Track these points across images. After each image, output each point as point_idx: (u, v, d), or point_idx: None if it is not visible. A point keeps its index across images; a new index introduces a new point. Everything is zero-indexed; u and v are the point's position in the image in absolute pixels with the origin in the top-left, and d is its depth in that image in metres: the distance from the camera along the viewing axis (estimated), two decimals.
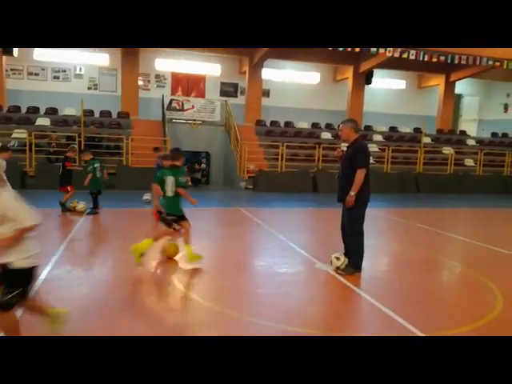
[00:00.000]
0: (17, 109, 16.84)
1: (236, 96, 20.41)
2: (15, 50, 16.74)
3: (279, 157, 16.36)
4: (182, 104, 17.89)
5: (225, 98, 18.96)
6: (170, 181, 5.40)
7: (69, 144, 14.67)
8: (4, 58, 16.83)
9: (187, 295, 4.37)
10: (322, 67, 21.04)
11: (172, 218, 5.43)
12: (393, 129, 21.32)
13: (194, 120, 17.80)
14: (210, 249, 6.49)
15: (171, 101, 17.86)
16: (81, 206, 8.94)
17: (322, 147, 17.02)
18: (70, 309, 3.29)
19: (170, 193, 5.41)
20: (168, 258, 5.56)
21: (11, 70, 17.68)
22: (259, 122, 19.35)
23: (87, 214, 8.74)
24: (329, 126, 20.29)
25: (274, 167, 16.37)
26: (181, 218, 5.49)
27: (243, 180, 15.78)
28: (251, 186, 15.29)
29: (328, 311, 4.28)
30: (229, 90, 20.49)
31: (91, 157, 9.15)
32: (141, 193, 10.80)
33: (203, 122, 17.95)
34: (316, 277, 5.21)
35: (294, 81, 20.99)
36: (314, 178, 15.97)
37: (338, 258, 5.27)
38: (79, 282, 4.64)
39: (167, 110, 17.52)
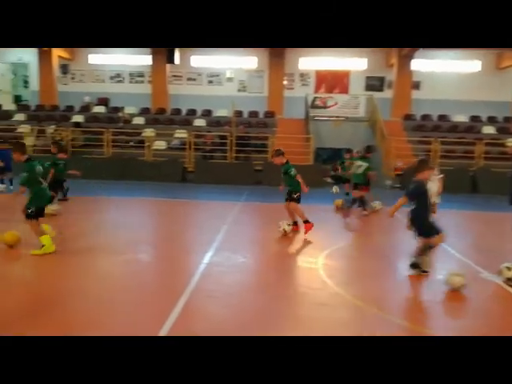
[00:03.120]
0: (178, 111, 18.83)
1: (382, 90, 19.48)
2: (177, 58, 18.73)
3: (431, 153, 15.09)
4: (326, 101, 17.82)
5: (369, 93, 18.29)
6: None
7: (222, 143, 15.84)
8: (168, 66, 18.96)
9: (338, 293, 4.25)
10: (483, 54, 18.73)
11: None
12: None
13: (337, 117, 17.55)
14: (357, 249, 6.26)
15: (315, 98, 17.92)
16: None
17: (484, 143, 15.19)
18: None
19: None
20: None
21: (173, 76, 19.81)
22: (408, 117, 18.18)
23: None
24: (492, 120, 18.03)
25: None
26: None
27: (389, 178, 14.94)
28: (398, 185, 14.30)
29: (496, 326, 3.72)
30: (374, 83, 19.66)
31: None
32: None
33: (346, 118, 17.59)
34: (482, 287, 4.60)
35: (447, 70, 19.15)
36: (474, 178, 14.36)
37: (509, 269, 4.62)
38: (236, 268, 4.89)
39: (311, 107, 17.63)
